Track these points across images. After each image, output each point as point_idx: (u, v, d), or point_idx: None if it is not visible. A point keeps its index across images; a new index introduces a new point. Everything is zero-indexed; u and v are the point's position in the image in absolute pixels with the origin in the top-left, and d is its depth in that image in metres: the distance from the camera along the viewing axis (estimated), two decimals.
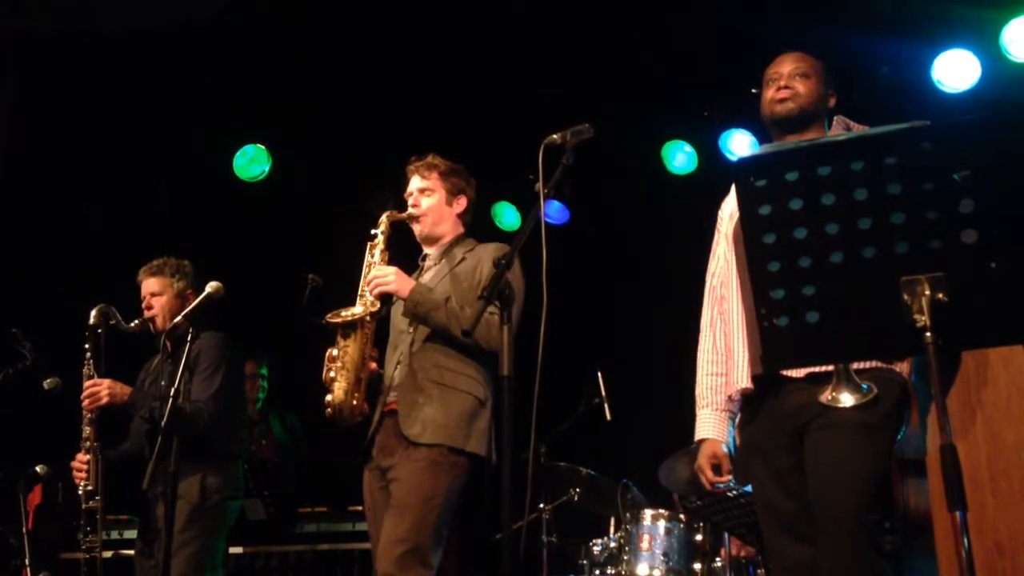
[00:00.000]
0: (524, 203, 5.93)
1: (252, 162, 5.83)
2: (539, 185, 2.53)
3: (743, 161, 1.99)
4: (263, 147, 5.81)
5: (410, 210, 3.41)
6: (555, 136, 2.60)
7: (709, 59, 4.99)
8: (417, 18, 5.13)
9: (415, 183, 3.45)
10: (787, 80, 2.67)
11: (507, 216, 6.20)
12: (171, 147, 5.64)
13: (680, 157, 5.74)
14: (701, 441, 2.69)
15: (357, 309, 3.20)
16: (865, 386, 2.23)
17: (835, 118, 2.71)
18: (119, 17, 4.85)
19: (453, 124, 5.38)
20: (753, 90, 5.31)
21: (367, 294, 3.22)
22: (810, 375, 2.42)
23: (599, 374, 4.88)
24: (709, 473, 2.65)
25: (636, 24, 5.04)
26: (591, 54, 5.19)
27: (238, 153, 5.80)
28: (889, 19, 4.85)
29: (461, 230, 3.48)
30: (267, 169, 5.82)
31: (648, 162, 5.75)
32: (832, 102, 2.71)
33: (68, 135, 5.52)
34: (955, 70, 4.95)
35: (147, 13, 4.85)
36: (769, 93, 2.69)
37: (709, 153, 5.54)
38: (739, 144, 5.37)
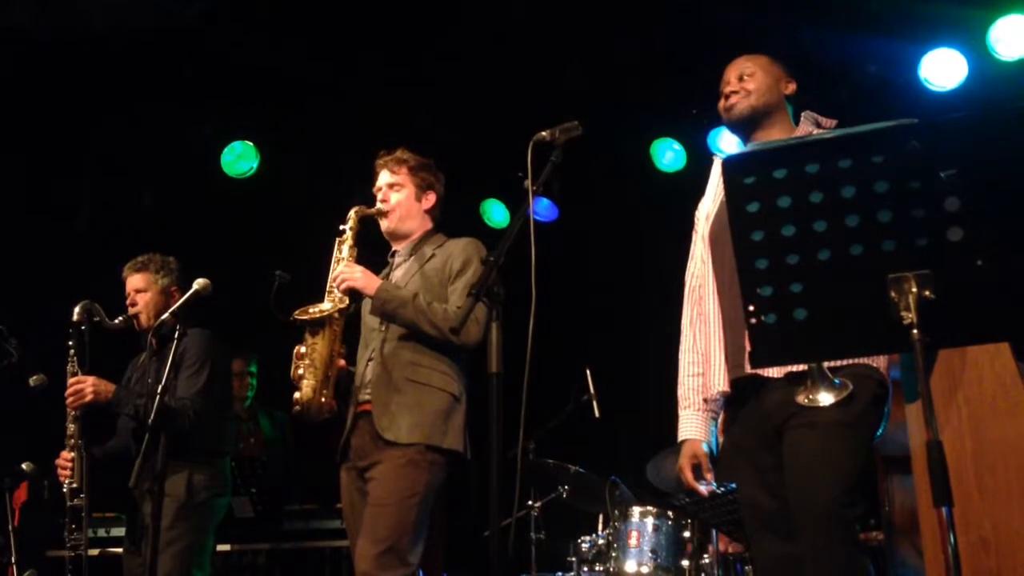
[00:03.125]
0: (513, 200, 5.94)
1: (240, 158, 5.81)
2: (528, 182, 2.53)
3: (732, 158, 1.99)
4: (251, 144, 5.79)
5: (378, 205, 3.39)
6: (544, 133, 2.60)
7: (698, 57, 4.99)
8: (406, 16, 5.12)
9: (384, 178, 3.43)
10: (733, 85, 2.73)
11: (496, 213, 6.21)
12: (158, 143, 5.62)
13: (669, 155, 5.75)
14: (683, 442, 2.71)
15: (325, 305, 3.19)
16: (838, 382, 2.24)
17: (803, 114, 2.73)
18: (106, 14, 4.83)
19: (442, 121, 5.37)
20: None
21: (335, 290, 3.21)
22: (788, 374, 2.43)
23: (588, 371, 4.89)
24: (689, 474, 2.68)
25: (625, 21, 5.05)
26: (580, 51, 5.20)
27: (226, 149, 5.79)
28: (876, 18, 4.87)
29: (430, 225, 3.45)
30: (255, 165, 5.81)
31: (637, 159, 5.76)
32: (791, 88, 2.75)
33: (54, 131, 5.49)
34: (942, 69, 4.98)
35: (134, 10, 4.83)
36: (720, 102, 2.76)
37: (698, 151, 5.55)
38: (728, 142, 5.38)
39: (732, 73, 2.76)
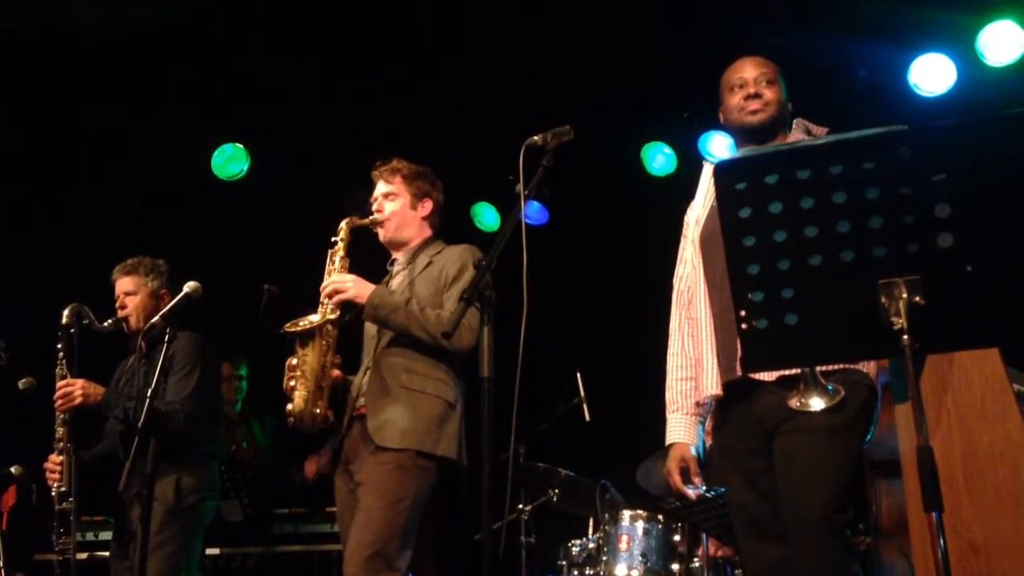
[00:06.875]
0: (504, 204, 5.94)
1: (230, 161, 5.80)
2: (519, 186, 2.53)
3: (724, 164, 1.99)
4: (241, 146, 5.78)
5: (373, 216, 3.42)
6: (535, 138, 2.60)
7: (689, 61, 5.01)
8: (396, 18, 5.12)
9: (380, 188, 3.46)
10: (756, 87, 2.64)
11: (487, 217, 6.21)
12: (148, 145, 5.60)
13: (659, 159, 5.76)
14: (671, 446, 2.71)
15: (315, 317, 3.21)
16: (831, 387, 2.24)
17: (795, 121, 2.71)
18: (97, 14, 4.81)
19: (433, 124, 5.37)
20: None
21: (326, 301, 3.23)
22: (780, 378, 2.44)
23: (578, 375, 4.88)
24: (677, 477, 2.67)
25: (616, 25, 5.05)
26: (571, 55, 5.20)
27: (216, 152, 5.77)
28: (866, 23, 4.89)
29: (428, 233, 3.47)
30: (245, 168, 5.80)
31: (628, 163, 5.76)
32: (789, 107, 2.71)
33: (44, 133, 5.46)
34: (932, 74, 4.99)
35: (125, 10, 4.81)
36: (736, 100, 2.66)
37: (688, 155, 5.56)
38: (718, 146, 5.39)
39: (749, 72, 2.66)
